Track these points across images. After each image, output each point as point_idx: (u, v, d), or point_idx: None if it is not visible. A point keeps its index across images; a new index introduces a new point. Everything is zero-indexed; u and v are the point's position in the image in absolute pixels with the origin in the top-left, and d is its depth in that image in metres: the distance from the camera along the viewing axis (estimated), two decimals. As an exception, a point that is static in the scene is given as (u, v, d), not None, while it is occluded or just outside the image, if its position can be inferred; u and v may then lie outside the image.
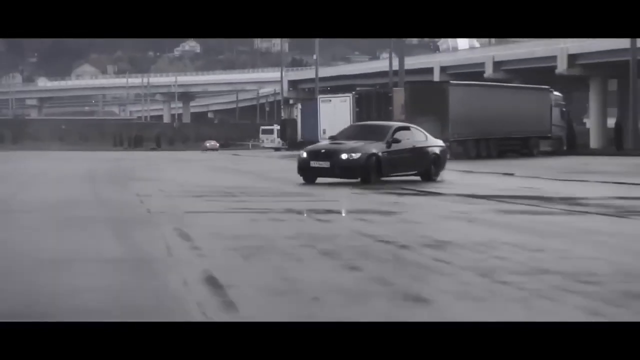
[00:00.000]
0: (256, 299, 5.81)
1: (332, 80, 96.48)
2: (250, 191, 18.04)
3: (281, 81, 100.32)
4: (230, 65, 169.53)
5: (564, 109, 45.44)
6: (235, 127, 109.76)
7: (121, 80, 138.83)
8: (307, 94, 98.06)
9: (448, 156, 23.55)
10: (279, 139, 68.18)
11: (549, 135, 42.53)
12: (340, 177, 20.81)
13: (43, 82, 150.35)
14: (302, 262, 7.43)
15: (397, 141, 21.29)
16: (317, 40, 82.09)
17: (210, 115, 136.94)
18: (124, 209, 12.88)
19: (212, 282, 6.31)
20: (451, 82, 41.78)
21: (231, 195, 16.53)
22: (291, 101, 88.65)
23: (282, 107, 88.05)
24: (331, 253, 7.91)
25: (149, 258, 7.69)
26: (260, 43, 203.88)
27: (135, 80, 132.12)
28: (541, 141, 42.25)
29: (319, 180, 20.68)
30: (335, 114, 42.67)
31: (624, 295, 5.99)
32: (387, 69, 62.64)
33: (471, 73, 70.18)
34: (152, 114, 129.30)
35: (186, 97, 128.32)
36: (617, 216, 11.98)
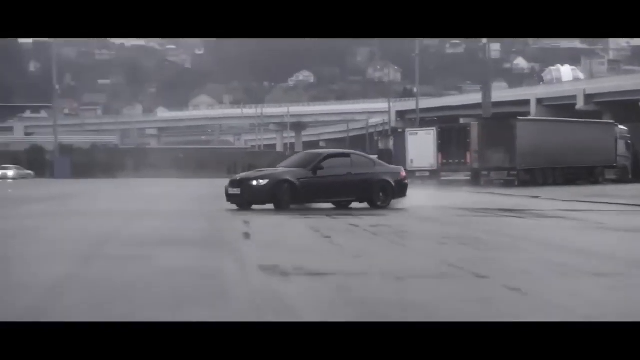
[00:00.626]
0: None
1: (436, 111, 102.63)
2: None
3: (389, 112, 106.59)
4: (342, 95, 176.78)
5: (629, 141, 50.86)
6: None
7: (236, 111, 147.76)
8: (413, 124, 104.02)
9: (407, 183, 24.13)
10: (377, 167, 75.38)
11: (614, 164, 48.12)
12: (251, 203, 22.21)
13: (162, 113, 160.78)
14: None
15: (322, 168, 22.53)
16: (417, 71, 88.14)
17: (322, 144, 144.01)
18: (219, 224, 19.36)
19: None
20: (519, 118, 47.69)
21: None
22: (389, 131, 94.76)
23: (377, 138, 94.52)
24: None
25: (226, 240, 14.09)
26: (372, 73, 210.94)
27: (249, 110, 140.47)
28: (607, 170, 47.77)
29: (257, 207, 22.01)
30: (421, 146, 48.72)
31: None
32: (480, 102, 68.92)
33: (564, 105, 75.38)
34: (266, 142, 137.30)
35: (298, 126, 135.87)
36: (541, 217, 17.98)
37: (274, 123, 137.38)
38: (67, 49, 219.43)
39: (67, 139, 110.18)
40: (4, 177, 73.82)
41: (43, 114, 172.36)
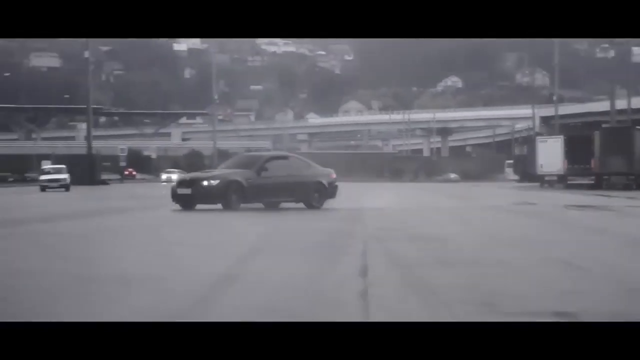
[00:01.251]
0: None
1: (580, 117, 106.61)
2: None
3: (532, 118, 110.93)
4: (489, 101, 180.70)
5: None
6: (491, 161, 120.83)
7: (384, 117, 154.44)
8: (556, 129, 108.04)
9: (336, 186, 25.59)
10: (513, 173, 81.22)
11: None
12: (202, 203, 23.07)
13: (312, 118, 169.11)
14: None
15: (266, 170, 23.57)
16: (556, 77, 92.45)
17: (468, 149, 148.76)
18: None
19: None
20: (637, 127, 52.50)
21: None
22: (533, 137, 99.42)
23: (514, 144, 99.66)
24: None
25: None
26: (521, 78, 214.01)
27: (397, 116, 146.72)
28: None
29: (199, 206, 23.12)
30: (550, 152, 53.92)
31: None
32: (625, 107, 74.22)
33: None
34: (413, 147, 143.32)
35: (444, 132, 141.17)
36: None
37: (420, 128, 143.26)
38: (220, 56, 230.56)
39: (221, 144, 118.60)
40: (169, 180, 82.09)
41: (198, 119, 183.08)
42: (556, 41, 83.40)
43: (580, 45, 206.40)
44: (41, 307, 7.17)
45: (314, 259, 10.64)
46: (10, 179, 79.99)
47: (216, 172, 24.18)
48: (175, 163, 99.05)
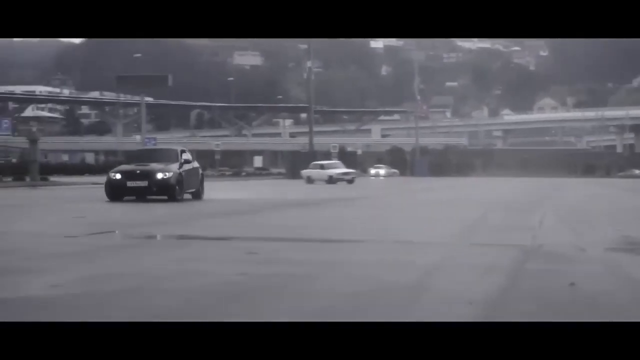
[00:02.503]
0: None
1: None
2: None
3: None
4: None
5: None
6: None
7: (577, 114, 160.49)
8: None
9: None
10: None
11: None
12: (156, 195, 24.62)
13: (507, 115, 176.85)
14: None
15: (188, 162, 25.90)
16: None
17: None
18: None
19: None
20: None
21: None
22: None
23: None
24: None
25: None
26: None
27: (590, 113, 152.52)
28: None
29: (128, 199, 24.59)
30: None
31: None
32: None
33: None
34: (605, 144, 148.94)
35: (638, 128, 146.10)
36: None
37: (613, 125, 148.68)
38: (416, 52, 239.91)
39: (420, 140, 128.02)
40: (377, 175, 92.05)
41: (395, 116, 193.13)
42: None
43: None
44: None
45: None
46: (228, 173, 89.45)
47: (156, 165, 25.27)
48: (378, 159, 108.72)
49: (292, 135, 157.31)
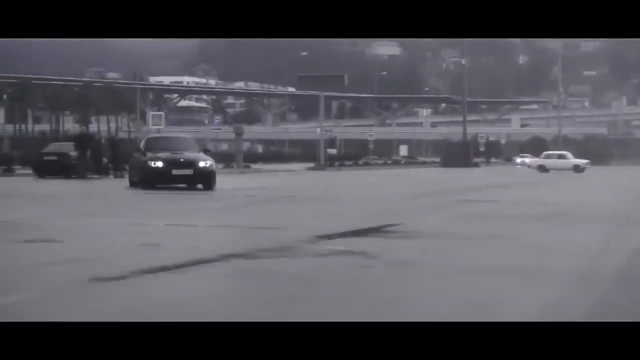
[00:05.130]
0: None
1: None
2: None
3: None
4: None
5: None
6: None
7: None
8: None
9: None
10: None
11: None
12: (198, 183, 26.17)
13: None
14: None
15: (208, 151, 28.30)
16: None
17: None
18: None
19: None
20: None
21: None
22: None
23: None
24: None
25: None
26: None
27: None
28: None
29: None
30: None
31: None
32: None
33: None
34: None
35: None
36: None
37: None
38: (552, 41, 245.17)
39: (556, 130, 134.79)
40: (523, 164, 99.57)
41: (533, 106, 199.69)
42: None
43: None
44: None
45: None
46: (380, 162, 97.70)
47: (190, 154, 26.81)
48: (520, 148, 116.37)
49: (433, 125, 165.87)
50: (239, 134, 56.78)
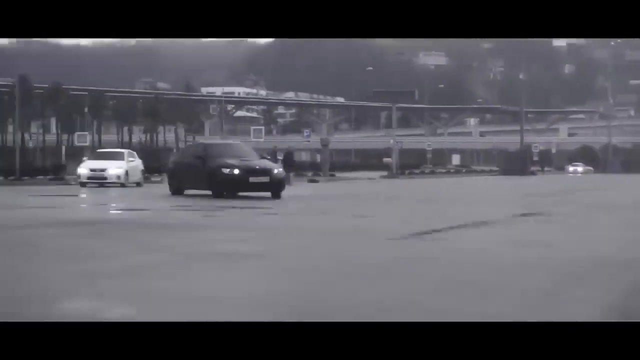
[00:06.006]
0: None
1: None
2: None
3: None
4: None
5: None
6: None
7: None
8: None
9: None
10: None
11: None
12: (273, 190, 25.90)
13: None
14: None
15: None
16: None
17: None
18: None
19: None
20: None
21: None
22: None
23: None
24: None
25: None
26: None
27: None
28: None
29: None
30: None
31: None
32: None
33: None
34: None
35: None
36: None
37: None
38: (599, 51, 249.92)
39: (603, 139, 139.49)
40: (575, 172, 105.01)
41: (580, 115, 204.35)
42: None
43: None
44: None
45: None
46: (442, 170, 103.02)
47: (261, 162, 27.23)
48: (569, 157, 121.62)
49: (482, 134, 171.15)
50: (325, 145, 62.71)
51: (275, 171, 26.13)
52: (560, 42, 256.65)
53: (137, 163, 41.13)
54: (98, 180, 38.31)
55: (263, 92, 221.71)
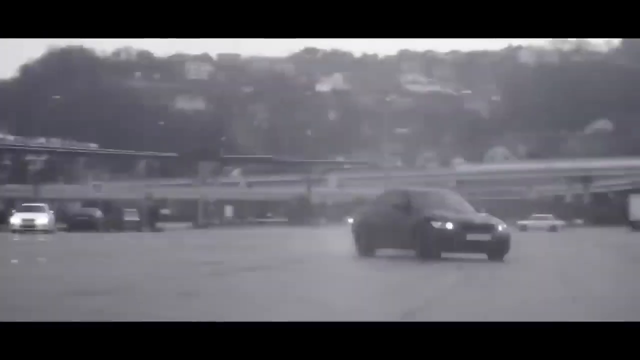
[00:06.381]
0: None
1: None
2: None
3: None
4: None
5: None
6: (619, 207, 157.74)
7: (528, 166, 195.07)
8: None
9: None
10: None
11: None
12: (494, 252, 23.32)
13: (460, 165, 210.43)
14: None
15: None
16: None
17: (610, 195, 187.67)
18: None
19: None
20: None
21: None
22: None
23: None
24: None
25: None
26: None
27: (540, 165, 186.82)
28: None
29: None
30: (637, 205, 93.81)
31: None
32: None
33: None
34: (557, 193, 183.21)
35: (586, 179, 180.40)
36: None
37: (563, 177, 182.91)
38: (362, 97, 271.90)
39: (370, 191, 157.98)
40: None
41: (347, 165, 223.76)
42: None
43: None
44: None
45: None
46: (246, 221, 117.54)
47: (484, 216, 24.82)
48: (346, 210, 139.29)
49: (249, 185, 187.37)
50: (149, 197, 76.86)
51: (500, 228, 23.85)
52: (323, 87, 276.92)
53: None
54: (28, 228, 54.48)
55: (11, 138, 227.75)
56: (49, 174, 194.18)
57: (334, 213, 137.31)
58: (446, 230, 23.34)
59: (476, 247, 23.55)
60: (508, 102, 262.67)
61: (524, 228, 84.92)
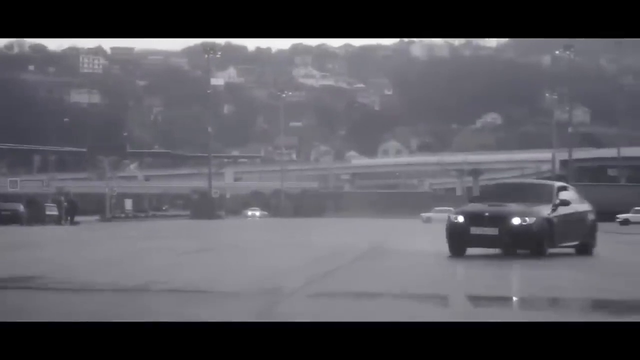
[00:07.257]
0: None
1: (591, 161, 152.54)
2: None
3: (552, 161, 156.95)
4: (529, 137, 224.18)
5: None
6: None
7: (420, 159, 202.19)
8: (577, 173, 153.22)
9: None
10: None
11: None
12: (509, 247, 21.47)
13: (355, 158, 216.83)
14: None
15: (565, 204, 21.94)
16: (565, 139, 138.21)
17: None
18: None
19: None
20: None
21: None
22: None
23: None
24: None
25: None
26: (560, 115, 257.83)
27: (432, 158, 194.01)
28: None
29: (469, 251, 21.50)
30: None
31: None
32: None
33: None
34: (447, 186, 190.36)
35: (475, 172, 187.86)
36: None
37: (454, 170, 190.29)
38: (257, 90, 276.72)
39: (267, 185, 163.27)
40: (253, 216, 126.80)
41: (243, 159, 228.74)
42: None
43: (626, 79, 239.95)
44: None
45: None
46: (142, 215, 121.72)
47: (515, 206, 21.58)
48: (244, 202, 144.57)
49: (147, 178, 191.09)
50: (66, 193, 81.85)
51: (516, 221, 21.24)
52: (218, 81, 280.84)
53: None
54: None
55: None
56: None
57: (232, 206, 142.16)
58: (454, 222, 22.47)
59: (481, 241, 22.08)
60: (400, 96, 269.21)
61: (428, 220, 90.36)
